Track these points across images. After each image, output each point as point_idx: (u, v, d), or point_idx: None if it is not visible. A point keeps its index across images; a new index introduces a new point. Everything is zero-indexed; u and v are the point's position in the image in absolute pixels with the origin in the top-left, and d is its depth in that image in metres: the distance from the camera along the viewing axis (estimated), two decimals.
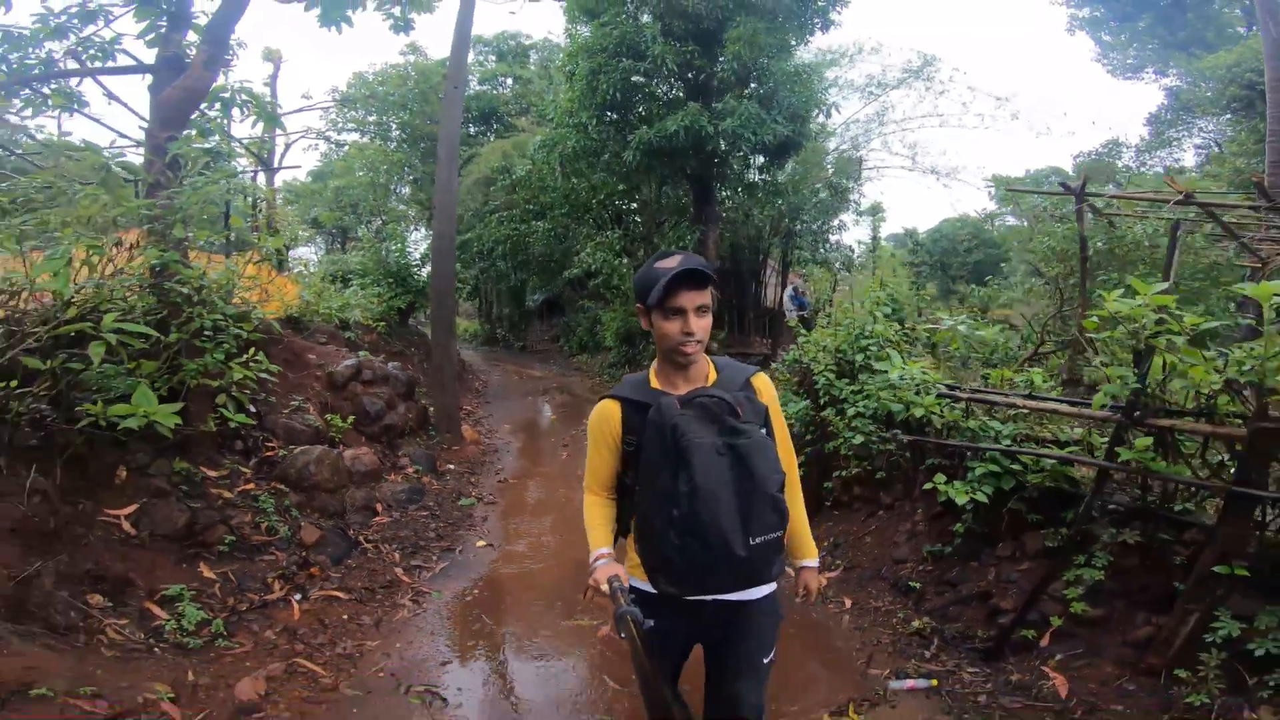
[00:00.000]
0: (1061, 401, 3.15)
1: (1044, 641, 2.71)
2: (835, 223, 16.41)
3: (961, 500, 2.93)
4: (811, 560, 1.79)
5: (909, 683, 2.73)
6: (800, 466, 4.85)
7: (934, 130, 24.25)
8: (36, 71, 5.37)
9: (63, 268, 2.80)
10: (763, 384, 1.71)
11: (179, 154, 4.37)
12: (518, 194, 13.67)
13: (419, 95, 17.72)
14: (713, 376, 1.66)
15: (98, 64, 5.41)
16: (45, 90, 5.47)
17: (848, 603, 3.61)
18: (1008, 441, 3.12)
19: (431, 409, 7.42)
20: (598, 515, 1.72)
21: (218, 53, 5.20)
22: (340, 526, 4.35)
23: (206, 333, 3.86)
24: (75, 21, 5.26)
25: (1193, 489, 2.62)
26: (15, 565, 2.67)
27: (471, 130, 19.70)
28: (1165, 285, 2.31)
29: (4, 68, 5.23)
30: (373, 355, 6.88)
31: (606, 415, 1.66)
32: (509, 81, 21.05)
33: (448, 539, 4.73)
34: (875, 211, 23.32)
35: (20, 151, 5.89)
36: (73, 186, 3.98)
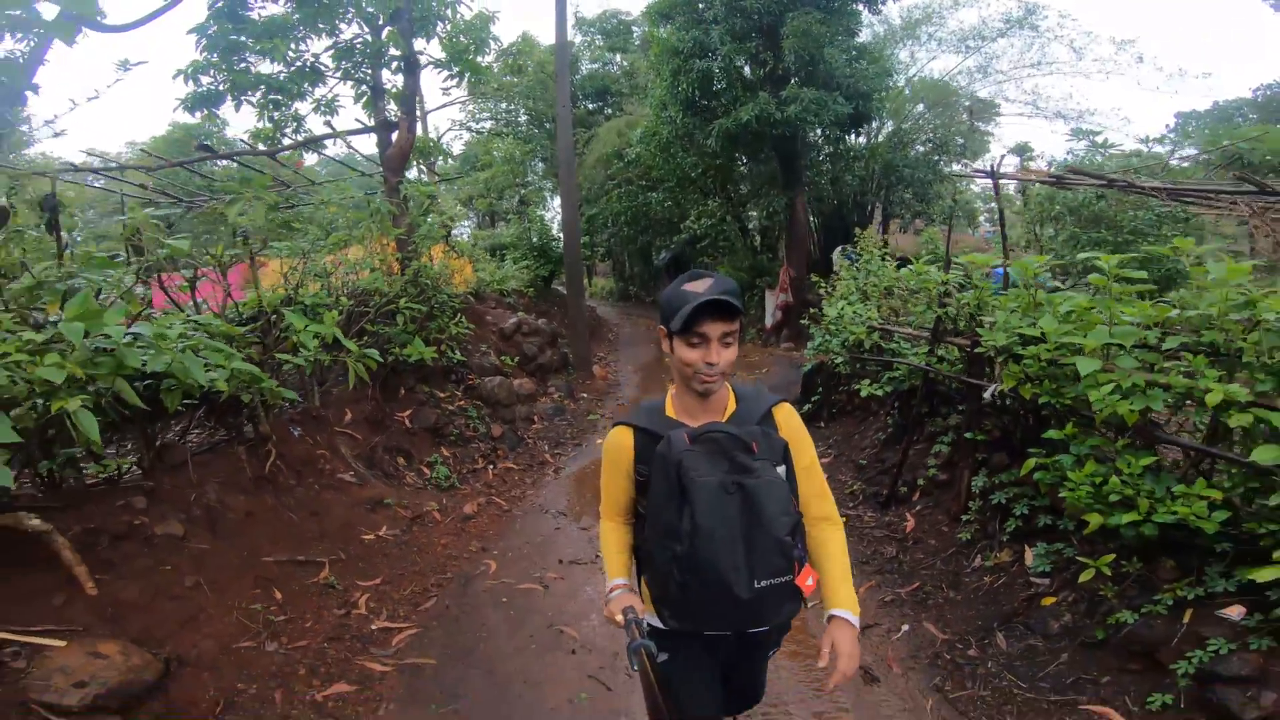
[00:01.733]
0: (910, 328, 4.41)
1: (915, 497, 4.15)
2: (944, 173, 16.10)
3: (865, 394, 4.37)
4: (846, 611, 1.47)
5: None
6: (817, 389, 6.36)
7: (1048, 77, 22.04)
8: (290, 125, 7.91)
9: (377, 274, 5.09)
10: (785, 416, 1.55)
11: (407, 194, 6.67)
12: (632, 171, 15.32)
13: (538, 83, 19.46)
14: (732, 406, 1.53)
15: (327, 116, 7.78)
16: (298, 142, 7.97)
17: None
18: (914, 357, 4.43)
19: (570, 354, 9.63)
20: (614, 543, 1.63)
21: (413, 120, 7.40)
22: (512, 428, 6.62)
23: (437, 305, 6.14)
24: (307, 86, 7.58)
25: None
26: (366, 438, 5.09)
27: (589, 107, 21.03)
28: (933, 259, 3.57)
29: (269, 122, 7.75)
30: (527, 314, 9.14)
31: (620, 443, 1.55)
32: (617, 58, 22.12)
33: (578, 439, 6.88)
34: (1023, 151, 21.84)
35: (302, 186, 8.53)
36: (344, 216, 6.39)
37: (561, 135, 9.42)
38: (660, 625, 1.52)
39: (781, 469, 1.44)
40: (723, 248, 13.96)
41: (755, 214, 14.11)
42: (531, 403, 7.23)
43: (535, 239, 13.45)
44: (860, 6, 11.40)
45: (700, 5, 10.77)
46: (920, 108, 15.73)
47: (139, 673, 2.54)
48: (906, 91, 15.53)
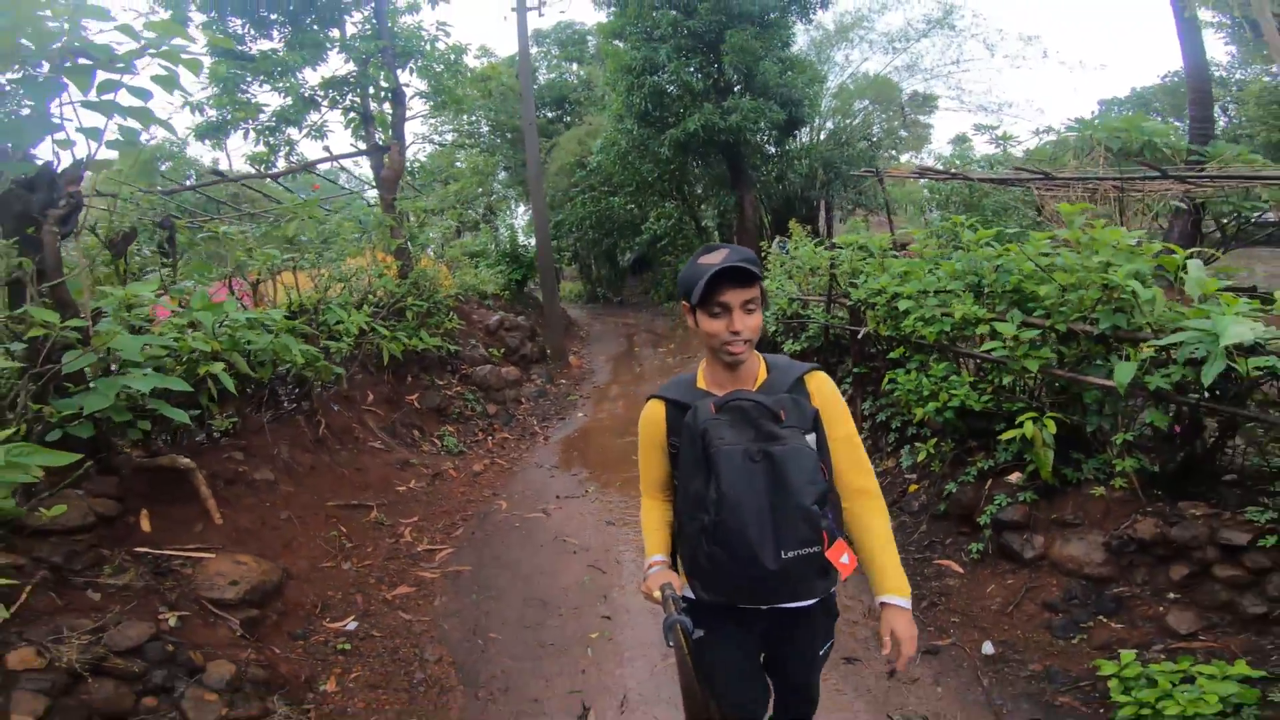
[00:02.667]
0: (818, 295, 5.64)
1: None
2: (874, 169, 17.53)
3: (789, 350, 5.55)
4: (897, 597, 1.43)
5: None
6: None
7: (967, 73, 23.80)
8: (284, 149, 8.80)
9: (387, 278, 6.07)
10: (818, 384, 1.52)
11: (402, 210, 7.62)
12: (594, 178, 16.36)
13: (498, 95, 20.18)
14: (762, 376, 1.50)
15: (320, 140, 8.71)
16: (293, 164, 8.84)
17: None
18: (819, 316, 5.61)
19: (547, 346, 10.65)
20: (654, 520, 1.62)
21: (402, 144, 8.34)
22: (504, 408, 7.63)
23: (434, 304, 7.13)
24: (300, 112, 8.46)
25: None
26: (386, 415, 6.06)
27: (549, 115, 21.73)
28: (817, 240, 4.78)
29: (265, 147, 8.60)
30: (507, 313, 10.14)
31: (652, 417, 1.56)
32: (574, 67, 23.08)
33: (561, 414, 7.93)
34: (962, 141, 23.59)
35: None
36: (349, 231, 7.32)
37: (529, 149, 10.45)
38: (694, 597, 1.51)
39: (811, 437, 1.40)
40: (681, 245, 15.14)
41: (709, 213, 15.30)
42: (518, 387, 8.25)
43: (506, 246, 14.37)
44: (793, 18, 12.66)
45: (648, 24, 11.87)
46: (864, 103, 17.16)
47: (268, 576, 3.49)
48: (850, 86, 16.94)
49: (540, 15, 12.63)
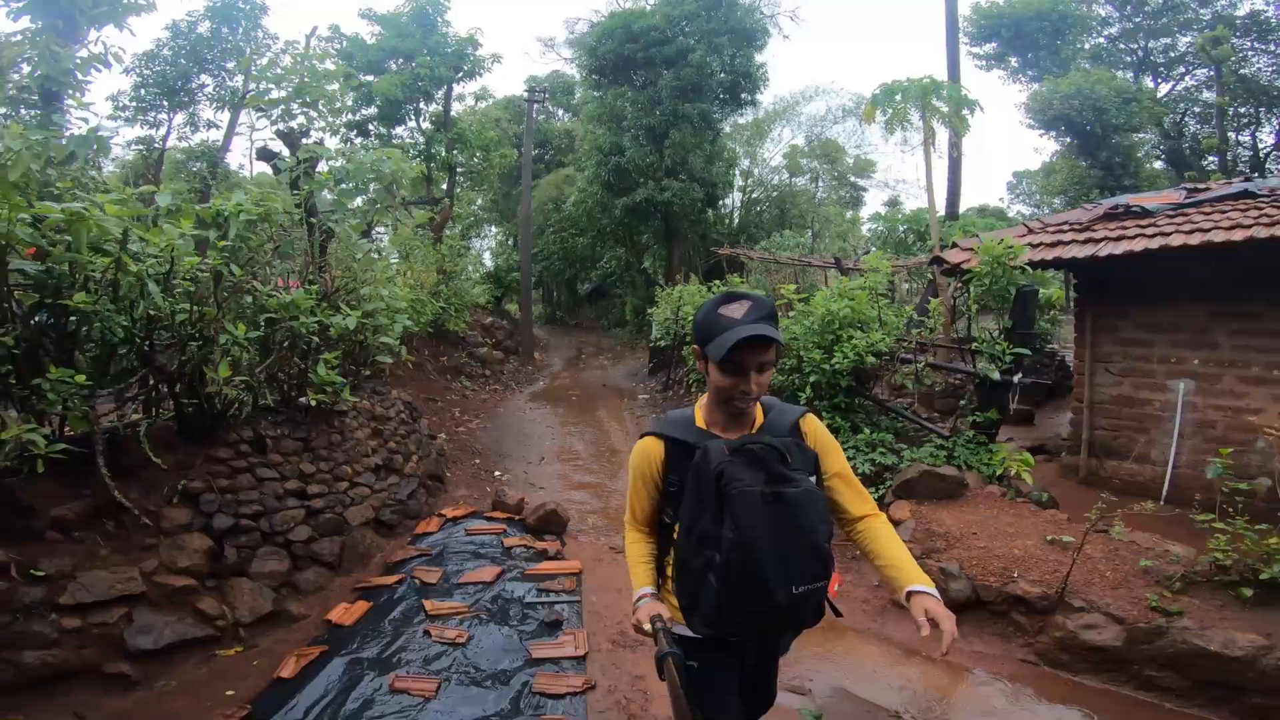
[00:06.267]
0: (671, 318, 11.76)
1: (680, 386, 11.36)
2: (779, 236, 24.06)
3: (662, 345, 11.58)
4: (925, 586, 1.61)
5: (641, 397, 11.41)
6: (654, 357, 13.60)
7: (870, 155, 30.86)
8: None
9: (443, 287, 11.95)
10: (811, 426, 1.75)
11: (447, 244, 13.54)
12: (565, 221, 22.46)
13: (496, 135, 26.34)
14: (760, 419, 1.70)
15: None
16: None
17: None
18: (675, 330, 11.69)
19: (520, 346, 16.46)
20: (640, 553, 1.80)
21: (452, 201, 14.33)
22: (495, 374, 13.42)
23: (460, 304, 12.98)
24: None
25: None
26: (434, 363, 11.83)
27: (534, 152, 27.99)
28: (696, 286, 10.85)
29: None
30: (494, 318, 15.98)
31: (648, 453, 1.72)
32: (560, 113, 29.54)
33: (530, 381, 13.80)
34: (893, 204, 30.43)
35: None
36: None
37: (523, 208, 16.50)
38: (688, 633, 1.68)
39: (812, 479, 1.61)
40: (627, 282, 21.28)
41: (649, 259, 21.51)
42: (502, 364, 14.04)
43: (490, 269, 20.25)
44: (729, 110, 19.08)
45: (619, 113, 18.02)
46: (812, 163, 24.01)
47: (413, 402, 9.19)
48: (804, 147, 23.58)
49: (543, 105, 18.70)
